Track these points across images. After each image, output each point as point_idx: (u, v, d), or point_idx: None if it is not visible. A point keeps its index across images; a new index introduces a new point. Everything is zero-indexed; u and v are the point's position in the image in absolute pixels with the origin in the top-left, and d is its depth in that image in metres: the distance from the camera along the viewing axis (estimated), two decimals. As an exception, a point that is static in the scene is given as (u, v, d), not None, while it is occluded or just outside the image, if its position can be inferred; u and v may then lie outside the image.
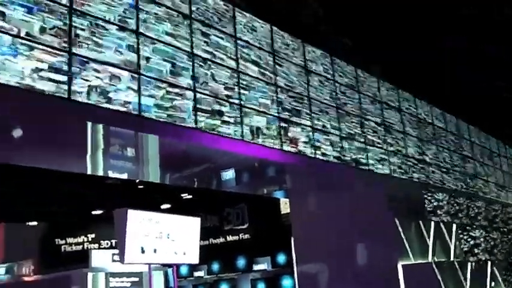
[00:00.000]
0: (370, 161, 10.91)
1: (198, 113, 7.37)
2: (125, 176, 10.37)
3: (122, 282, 13.43)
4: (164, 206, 17.28)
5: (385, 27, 11.38)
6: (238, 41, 8.52)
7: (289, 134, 8.92)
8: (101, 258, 13.66)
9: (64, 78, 5.94)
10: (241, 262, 17.53)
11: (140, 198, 15.75)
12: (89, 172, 9.78)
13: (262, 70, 8.85)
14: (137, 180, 13.58)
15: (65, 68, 5.96)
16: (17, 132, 7.63)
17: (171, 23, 7.45)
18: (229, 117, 7.84)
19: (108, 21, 6.58)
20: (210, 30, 8.06)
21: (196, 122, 7.34)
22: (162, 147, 9.13)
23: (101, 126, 7.79)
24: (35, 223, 18.53)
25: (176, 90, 7.16)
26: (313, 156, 9.79)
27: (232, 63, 8.28)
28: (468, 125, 15.93)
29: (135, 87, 6.67)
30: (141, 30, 6.95)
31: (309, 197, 12.22)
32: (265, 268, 16.83)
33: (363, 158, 10.68)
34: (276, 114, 8.78)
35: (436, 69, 12.99)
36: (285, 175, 12.06)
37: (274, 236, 16.36)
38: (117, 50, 6.56)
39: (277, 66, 9.23)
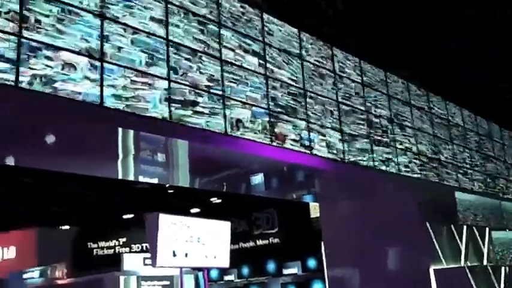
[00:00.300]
0: (376, 163, 10.77)
1: (166, 102, 7.05)
2: (155, 181, 10.48)
3: (154, 285, 13.56)
4: (194, 210, 17.38)
5: (389, 28, 11.32)
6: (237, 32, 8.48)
7: (276, 130, 8.66)
8: (133, 261, 13.81)
9: (6, 66, 5.63)
10: (271, 266, 17.52)
11: (170, 202, 15.90)
12: (120, 177, 9.89)
13: (263, 63, 8.77)
14: (167, 185, 13.70)
15: (12, 54, 5.67)
16: (50, 138, 7.77)
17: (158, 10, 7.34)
18: (203, 107, 7.52)
19: (82, 9, 6.41)
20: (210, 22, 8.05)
21: (170, 113, 7.10)
22: (192, 152, 9.19)
23: (131, 131, 7.89)
24: (67, 227, 18.83)
25: (145, 80, 6.85)
26: (341, 160, 9.76)
27: (230, 54, 8.21)
28: (501, 129, 15.70)
29: (94, 77, 6.33)
30: (123, 19, 6.82)
31: (339, 201, 12.14)
32: (296, 272, 16.79)
33: (363, 160, 10.52)
34: (264, 109, 8.54)
35: (439, 70, 12.88)
36: (314, 179, 12.01)
37: (304, 240, 16.30)
38: (83, 38, 6.30)
39: (281, 61, 9.14)
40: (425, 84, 12.80)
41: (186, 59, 7.47)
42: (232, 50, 8.26)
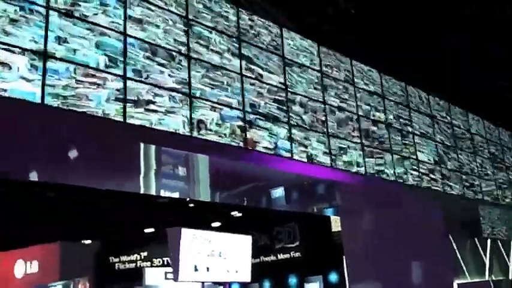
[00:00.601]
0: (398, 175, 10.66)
1: (116, 102, 6.78)
2: (176, 195, 10.53)
3: (175, 300, 13.56)
4: (215, 224, 17.39)
5: (387, 26, 11.30)
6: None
7: (248, 136, 8.38)
8: (154, 276, 13.83)
9: None
10: (292, 280, 17.41)
11: (191, 216, 15.92)
12: (141, 191, 9.96)
13: (252, 67, 8.70)
14: (188, 199, 13.75)
15: None
16: (73, 153, 7.87)
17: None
18: (159, 106, 7.25)
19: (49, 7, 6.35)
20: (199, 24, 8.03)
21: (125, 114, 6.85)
22: (212, 166, 9.23)
23: (153, 146, 7.95)
24: (89, 241, 18.95)
25: (93, 80, 6.59)
26: (363, 173, 9.71)
27: (216, 58, 8.19)
28: None
29: (34, 77, 6.06)
30: (93, 18, 6.75)
31: (360, 214, 12.07)
32: (317, 287, 16.66)
33: (384, 173, 10.43)
34: (239, 110, 8.32)
35: (438, 69, 12.81)
36: (335, 192, 11.97)
37: (325, 254, 16.19)
38: (33, 39, 6.15)
39: (273, 65, 9.09)
40: (424, 83, 12.74)
41: (160, 63, 7.39)
42: (220, 54, 8.24)
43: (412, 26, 11.47)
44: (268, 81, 8.92)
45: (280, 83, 9.11)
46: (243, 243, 10.57)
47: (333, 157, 9.43)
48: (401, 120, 11.27)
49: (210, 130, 7.80)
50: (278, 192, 11.58)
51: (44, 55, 6.20)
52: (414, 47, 11.99)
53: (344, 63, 10.49)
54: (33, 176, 8.75)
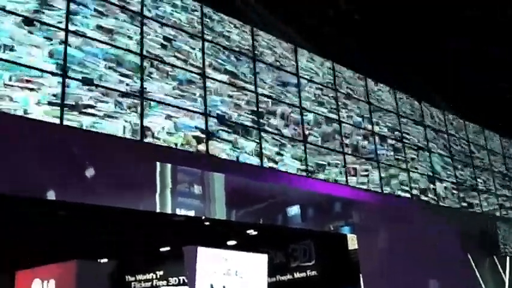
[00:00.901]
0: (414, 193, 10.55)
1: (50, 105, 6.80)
2: (192, 213, 10.53)
3: (191, 319, 13.47)
4: (230, 243, 17.33)
5: (389, 28, 11.30)
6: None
7: (201, 147, 8.29)
8: (170, 295, 13.78)
9: None
10: (309, 300, 17.25)
11: (206, 234, 15.89)
12: (157, 210, 9.98)
13: (235, 81, 8.72)
14: (203, 217, 13.73)
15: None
16: (89, 172, 7.93)
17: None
18: (99, 110, 7.21)
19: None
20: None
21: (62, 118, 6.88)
22: (228, 184, 9.23)
23: (169, 165, 7.99)
24: (105, 260, 18.97)
25: (26, 85, 6.67)
26: (379, 191, 9.66)
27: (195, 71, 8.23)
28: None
29: None
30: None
31: (377, 232, 11.98)
32: (334, 306, 16.49)
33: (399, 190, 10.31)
34: (196, 124, 8.28)
35: (439, 71, 12.78)
36: (351, 210, 11.91)
37: (342, 272, 16.03)
38: None
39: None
40: (426, 84, 12.71)
41: (123, 74, 7.48)
42: (199, 68, 8.29)
43: (412, 28, 11.50)
44: (247, 92, 8.95)
45: (263, 94, 9.07)
46: (259, 262, 10.52)
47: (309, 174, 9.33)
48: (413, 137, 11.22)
49: (158, 138, 7.72)
50: (294, 210, 11.55)
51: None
52: (415, 49, 12.02)
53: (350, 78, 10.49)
54: (51, 195, 8.81)
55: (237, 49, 9.05)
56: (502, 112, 14.77)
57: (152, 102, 7.70)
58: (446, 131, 12.47)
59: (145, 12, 7.89)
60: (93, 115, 7.07)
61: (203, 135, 8.16)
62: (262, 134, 8.86)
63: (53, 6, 6.98)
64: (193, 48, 8.31)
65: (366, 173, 10.13)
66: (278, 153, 9.15)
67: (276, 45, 9.74)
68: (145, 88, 7.73)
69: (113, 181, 8.36)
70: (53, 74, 6.91)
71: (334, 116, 10.21)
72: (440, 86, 13.11)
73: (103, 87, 7.26)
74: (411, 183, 10.58)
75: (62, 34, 7.00)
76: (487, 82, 13.60)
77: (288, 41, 10.04)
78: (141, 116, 7.48)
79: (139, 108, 7.50)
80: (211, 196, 9.78)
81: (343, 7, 10.68)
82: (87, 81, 7.13)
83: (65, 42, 7.14)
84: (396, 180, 10.58)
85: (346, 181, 9.26)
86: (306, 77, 10.10)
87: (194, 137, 8.06)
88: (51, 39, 6.84)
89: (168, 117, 7.83)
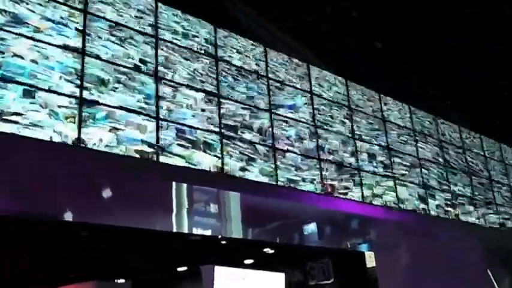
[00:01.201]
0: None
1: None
2: (208, 233, 10.53)
3: None
4: (247, 262, 17.25)
5: (386, 26, 11.28)
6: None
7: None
8: (188, 315, 13.72)
9: None
10: (328, 319, 17.07)
11: (223, 253, 15.84)
12: (174, 230, 10.00)
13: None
14: (220, 236, 13.71)
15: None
16: (106, 193, 7.98)
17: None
18: (25, 119, 6.76)
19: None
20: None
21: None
22: (243, 202, 9.23)
23: (184, 185, 8.01)
24: (123, 280, 18.97)
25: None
26: (396, 207, 9.59)
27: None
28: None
29: None
30: None
31: (395, 249, 11.87)
32: (353, 324, 16.31)
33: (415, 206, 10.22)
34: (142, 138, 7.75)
35: (437, 68, 12.68)
36: (369, 227, 11.82)
37: (360, 290, 15.88)
38: None
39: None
40: (424, 81, 12.64)
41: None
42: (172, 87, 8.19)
43: (410, 26, 11.50)
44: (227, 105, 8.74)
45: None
46: (277, 280, 10.47)
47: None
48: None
49: (92, 150, 7.17)
50: (310, 228, 11.50)
51: None
52: (412, 46, 12.01)
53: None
54: (68, 216, 8.87)
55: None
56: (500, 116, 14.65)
57: (99, 114, 7.31)
58: (463, 146, 12.37)
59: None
60: (16, 122, 6.65)
61: (150, 149, 7.63)
62: (230, 148, 8.51)
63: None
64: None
65: (345, 191, 9.77)
66: (243, 169, 8.58)
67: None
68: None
69: (129, 201, 8.40)
70: None
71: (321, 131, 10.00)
72: (437, 85, 13.07)
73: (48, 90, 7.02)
74: (427, 198, 10.48)
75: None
76: (484, 80, 13.52)
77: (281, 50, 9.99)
78: (79, 128, 7.05)
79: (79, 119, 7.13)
80: (227, 215, 9.78)
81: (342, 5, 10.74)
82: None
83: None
84: (410, 196, 10.48)
85: (362, 197, 9.19)
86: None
87: (137, 151, 7.49)
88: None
89: (114, 129, 7.38)
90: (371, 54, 11.65)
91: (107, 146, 7.18)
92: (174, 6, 8.70)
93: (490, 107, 14.28)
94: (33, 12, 7.04)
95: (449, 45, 12.34)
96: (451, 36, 12.05)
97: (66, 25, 7.28)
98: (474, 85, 13.55)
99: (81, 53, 7.28)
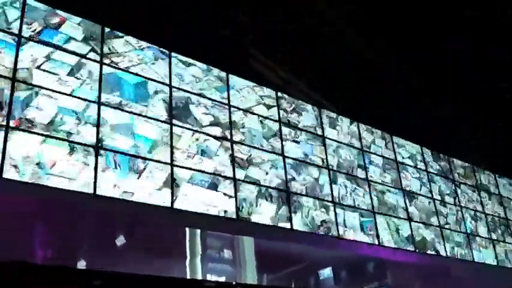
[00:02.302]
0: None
1: None
2: (222, 279, 10.38)
3: None
4: (262, 308, 16.97)
5: (389, 28, 11.30)
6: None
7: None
8: None
9: None
10: None
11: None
12: (188, 276, 9.88)
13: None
14: (234, 282, 13.53)
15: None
16: (120, 240, 7.94)
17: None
18: None
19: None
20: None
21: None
22: (258, 248, 9.14)
23: (198, 231, 7.96)
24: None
25: None
26: (412, 250, 9.45)
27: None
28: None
29: None
30: None
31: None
32: None
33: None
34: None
35: (439, 71, 12.62)
36: (386, 270, 11.63)
37: (378, 336, 15.51)
38: None
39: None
40: (425, 82, 12.57)
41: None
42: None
43: (412, 28, 11.54)
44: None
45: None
46: (293, 327, 10.27)
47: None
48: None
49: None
50: (326, 272, 11.32)
51: None
52: (415, 49, 12.02)
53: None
54: (81, 264, 8.81)
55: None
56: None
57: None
58: (477, 185, 12.26)
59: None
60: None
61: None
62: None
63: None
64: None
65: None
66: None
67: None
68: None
69: (143, 248, 8.35)
70: None
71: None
72: (440, 86, 13.07)
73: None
74: (445, 241, 10.32)
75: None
76: (487, 82, 13.46)
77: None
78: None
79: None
80: (241, 260, 9.66)
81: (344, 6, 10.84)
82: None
83: None
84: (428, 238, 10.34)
85: (378, 241, 9.06)
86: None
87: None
88: None
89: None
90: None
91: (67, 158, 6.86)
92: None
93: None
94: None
95: (451, 48, 12.38)
96: (454, 39, 12.10)
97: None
98: (476, 88, 13.54)
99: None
